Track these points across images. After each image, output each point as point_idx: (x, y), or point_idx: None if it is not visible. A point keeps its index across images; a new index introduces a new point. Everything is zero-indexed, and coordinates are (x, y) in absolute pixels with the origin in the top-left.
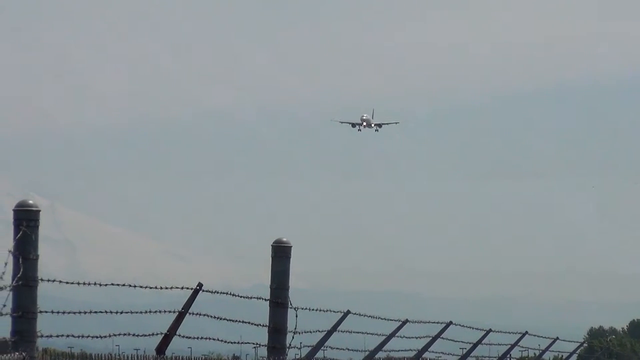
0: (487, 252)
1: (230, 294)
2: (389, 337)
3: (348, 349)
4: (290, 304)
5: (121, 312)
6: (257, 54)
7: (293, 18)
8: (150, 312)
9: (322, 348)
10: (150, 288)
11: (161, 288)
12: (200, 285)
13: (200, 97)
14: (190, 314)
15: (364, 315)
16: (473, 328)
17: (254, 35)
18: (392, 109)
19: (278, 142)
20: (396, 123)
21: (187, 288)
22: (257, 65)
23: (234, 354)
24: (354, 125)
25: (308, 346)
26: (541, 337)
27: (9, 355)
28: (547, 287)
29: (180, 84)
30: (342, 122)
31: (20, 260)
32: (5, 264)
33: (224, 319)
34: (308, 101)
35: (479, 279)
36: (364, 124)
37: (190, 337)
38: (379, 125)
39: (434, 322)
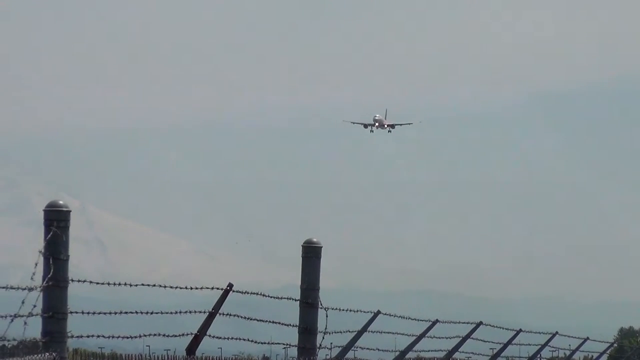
0: (517, 252)
1: (261, 294)
2: (419, 338)
3: (378, 349)
4: (321, 304)
5: (152, 313)
6: (287, 55)
7: (315, 17)
8: (180, 312)
9: (353, 348)
10: (181, 288)
11: (191, 288)
12: (230, 285)
13: (230, 98)
14: (220, 314)
15: (394, 316)
16: (503, 328)
17: (282, 37)
18: (405, 110)
19: (307, 142)
20: (409, 124)
21: (218, 288)
22: (288, 66)
23: (264, 355)
24: (366, 125)
25: (338, 346)
26: (571, 337)
27: (39, 355)
28: (577, 287)
29: (207, 84)
30: (353, 123)
31: (51, 260)
32: (36, 264)
33: (255, 320)
34: (334, 101)
35: (508, 279)
36: (376, 124)
37: (220, 338)
38: (392, 126)
39: (464, 323)
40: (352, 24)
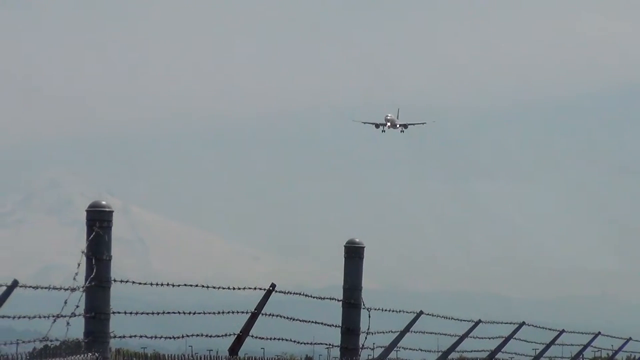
0: (560, 252)
1: (303, 294)
2: (462, 338)
3: (421, 350)
4: (363, 305)
5: (194, 313)
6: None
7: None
8: (223, 312)
9: (395, 349)
10: (223, 288)
11: (234, 288)
12: (273, 285)
13: (270, 98)
14: (263, 314)
15: (437, 316)
16: (546, 328)
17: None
18: (419, 108)
19: (350, 142)
20: (423, 123)
21: (260, 288)
22: (332, 65)
23: (306, 355)
24: (377, 125)
25: (381, 347)
26: (614, 337)
27: (82, 356)
28: (620, 287)
29: (248, 84)
30: (364, 123)
31: (94, 261)
32: (79, 264)
33: (297, 320)
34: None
35: (551, 279)
36: (388, 124)
37: (263, 338)
38: (405, 126)
39: (507, 323)
40: (368, 22)
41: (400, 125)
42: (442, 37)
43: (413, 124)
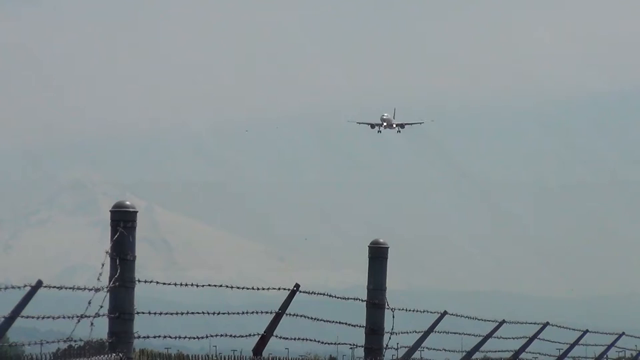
0: (584, 252)
1: (327, 294)
2: (486, 338)
3: (445, 350)
4: (387, 305)
5: (218, 313)
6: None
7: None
8: (247, 313)
9: (419, 349)
10: (247, 289)
11: (258, 289)
12: (297, 286)
13: (290, 98)
14: (287, 314)
15: (461, 316)
16: (570, 329)
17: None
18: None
19: (373, 142)
20: (420, 123)
21: (284, 289)
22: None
23: (330, 355)
24: (372, 126)
25: (405, 347)
26: (638, 337)
27: (106, 356)
28: None
29: (265, 86)
30: (359, 123)
31: (118, 261)
32: (103, 265)
33: (321, 320)
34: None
35: (577, 279)
36: (384, 124)
37: (287, 338)
38: (401, 126)
39: (531, 323)
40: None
41: (396, 125)
42: (445, 35)
43: (410, 124)
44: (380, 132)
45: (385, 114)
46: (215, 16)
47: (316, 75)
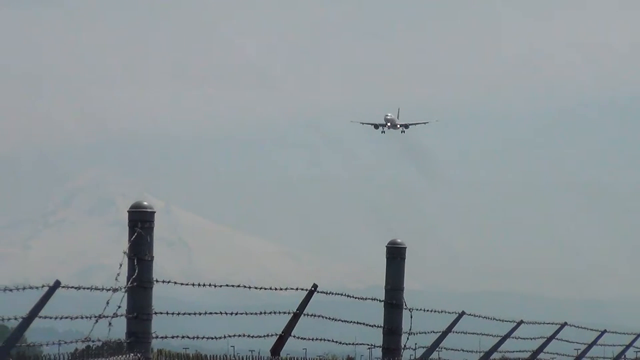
0: (603, 253)
1: (345, 295)
2: (504, 338)
3: (463, 350)
4: (405, 305)
5: (236, 313)
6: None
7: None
8: (265, 313)
9: (437, 349)
10: (265, 289)
11: (276, 289)
12: (315, 286)
13: (301, 101)
14: (305, 315)
15: (479, 316)
16: (588, 329)
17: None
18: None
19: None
20: (425, 123)
21: (302, 289)
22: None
23: (348, 355)
24: (376, 126)
25: (423, 347)
26: None
27: (124, 356)
28: None
29: (286, 87)
30: (363, 124)
31: (135, 261)
32: (120, 265)
33: (339, 320)
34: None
35: (594, 280)
36: (388, 124)
37: (305, 338)
38: (406, 126)
39: (549, 323)
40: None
41: (400, 125)
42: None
43: (414, 124)
44: (384, 132)
45: (389, 114)
46: (216, 19)
47: (319, 77)
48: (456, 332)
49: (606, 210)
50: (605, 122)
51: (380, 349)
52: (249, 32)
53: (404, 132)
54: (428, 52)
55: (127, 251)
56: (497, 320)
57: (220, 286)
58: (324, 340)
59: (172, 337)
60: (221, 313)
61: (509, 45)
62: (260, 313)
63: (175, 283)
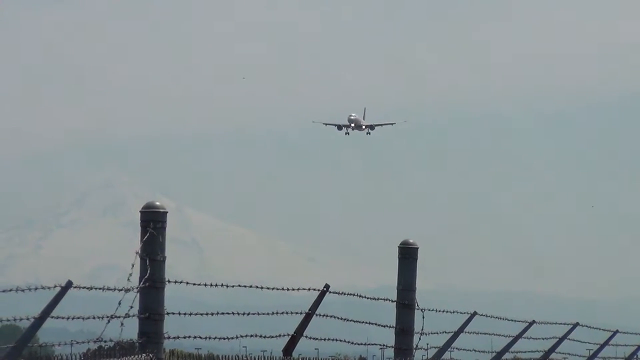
0: (615, 252)
1: (357, 295)
2: (515, 339)
3: (475, 350)
4: (417, 306)
5: (248, 314)
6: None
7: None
8: (277, 313)
9: (449, 349)
10: (277, 289)
11: (288, 289)
12: (327, 286)
13: (305, 102)
14: (317, 315)
15: (491, 317)
16: (600, 329)
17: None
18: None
19: (406, 141)
20: (392, 124)
21: (314, 289)
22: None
23: (360, 356)
24: (340, 127)
25: (435, 347)
26: None
27: (136, 356)
28: None
29: (303, 90)
30: (326, 124)
31: (148, 261)
32: (133, 265)
33: (351, 321)
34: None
35: (608, 280)
36: (352, 125)
37: (317, 339)
38: (371, 127)
39: (561, 323)
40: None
41: (366, 126)
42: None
43: (380, 125)
44: (348, 133)
45: (353, 114)
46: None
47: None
48: (468, 332)
49: (616, 209)
50: (602, 122)
51: (393, 349)
52: (249, 32)
53: (369, 133)
54: (412, 51)
55: (139, 251)
56: (509, 320)
57: (233, 286)
58: (336, 340)
59: (184, 338)
60: (233, 313)
61: (496, 48)
62: (272, 313)
63: (188, 283)
